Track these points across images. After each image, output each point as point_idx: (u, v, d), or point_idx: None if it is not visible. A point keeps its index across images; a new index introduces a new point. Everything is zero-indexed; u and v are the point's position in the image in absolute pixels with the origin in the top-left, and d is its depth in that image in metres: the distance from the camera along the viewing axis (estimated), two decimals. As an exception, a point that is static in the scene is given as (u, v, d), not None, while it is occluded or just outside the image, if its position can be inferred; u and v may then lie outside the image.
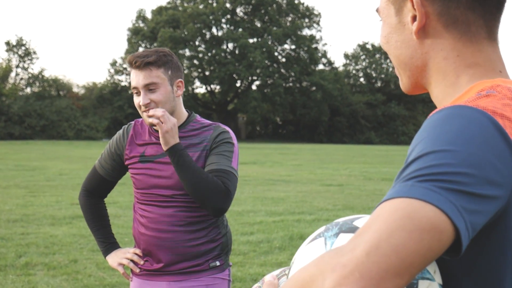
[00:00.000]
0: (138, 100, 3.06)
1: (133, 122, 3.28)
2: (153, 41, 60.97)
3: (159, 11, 62.65)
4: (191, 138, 3.11)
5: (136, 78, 3.04)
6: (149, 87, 3.02)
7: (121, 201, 12.64)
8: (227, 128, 3.16)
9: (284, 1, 65.41)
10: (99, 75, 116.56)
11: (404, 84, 1.48)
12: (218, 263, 3.16)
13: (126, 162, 3.21)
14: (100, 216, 3.39)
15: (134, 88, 3.05)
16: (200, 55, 62.16)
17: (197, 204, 3.06)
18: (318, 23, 66.94)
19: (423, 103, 68.47)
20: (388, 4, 1.42)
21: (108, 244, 3.30)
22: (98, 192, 3.39)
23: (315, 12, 66.65)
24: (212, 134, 3.11)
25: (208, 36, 62.39)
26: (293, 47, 64.93)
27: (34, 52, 61.00)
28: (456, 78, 1.36)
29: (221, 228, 3.19)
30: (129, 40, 62.33)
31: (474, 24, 1.34)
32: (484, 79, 1.32)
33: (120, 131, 3.28)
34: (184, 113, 3.17)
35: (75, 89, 62.63)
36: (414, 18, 1.36)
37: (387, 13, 1.42)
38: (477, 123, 1.13)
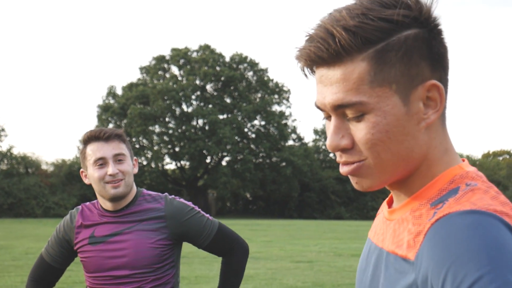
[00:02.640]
0: (103, 171, 3.06)
1: (80, 206, 3.27)
2: (123, 118, 61.08)
3: (129, 87, 62.94)
4: (142, 214, 3.11)
5: (102, 150, 3.07)
6: (118, 158, 3.07)
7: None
8: (175, 197, 3.22)
9: (254, 78, 66.12)
10: (68, 152, 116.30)
11: (375, 183, 1.35)
12: None
13: (76, 247, 3.17)
14: None
15: (100, 159, 3.07)
16: (170, 131, 62.26)
17: (158, 283, 3.04)
18: (287, 99, 67.60)
19: (392, 178, 68.85)
20: (387, 94, 1.27)
21: None
22: (46, 280, 3.34)
23: (285, 89, 67.35)
24: (166, 208, 3.13)
25: (178, 112, 62.65)
26: (263, 123, 65.34)
27: (3, 129, 60.72)
28: (436, 168, 1.34)
29: None
30: (99, 117, 62.33)
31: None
32: (453, 165, 1.33)
33: (67, 216, 3.27)
34: (135, 189, 3.21)
35: (44, 166, 62.17)
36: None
37: (386, 104, 1.27)
38: (499, 231, 1.14)
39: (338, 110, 1.29)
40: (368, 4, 1.26)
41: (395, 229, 1.38)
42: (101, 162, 3.05)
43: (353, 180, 1.36)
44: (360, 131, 1.29)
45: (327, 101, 1.30)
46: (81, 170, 3.16)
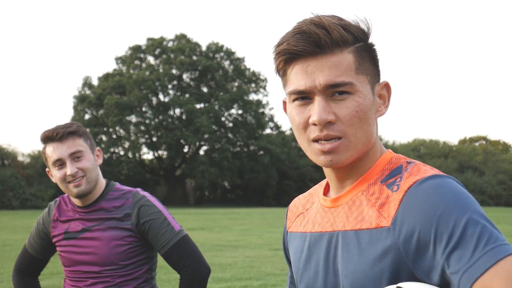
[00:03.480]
0: (63, 172, 3.02)
1: (58, 198, 3.24)
2: (99, 108, 60.77)
3: (105, 77, 62.60)
4: (110, 211, 3.07)
5: (58, 150, 3.01)
6: (75, 156, 3.01)
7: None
8: (146, 195, 3.13)
9: (231, 67, 66.06)
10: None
11: (347, 159, 1.61)
12: None
13: (53, 240, 3.17)
14: None
15: (58, 160, 3.02)
16: (147, 121, 62.06)
17: (127, 278, 3.02)
18: (264, 88, 67.61)
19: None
20: (365, 81, 1.60)
21: None
22: (30, 271, 3.35)
23: (261, 77, 67.36)
24: (132, 206, 3.07)
25: (154, 102, 62.45)
26: (240, 112, 65.34)
27: (-22, 121, 60.20)
28: (377, 153, 1.68)
29: None
30: (75, 108, 61.97)
31: None
32: (384, 151, 1.69)
33: (46, 209, 3.26)
34: (103, 183, 3.16)
35: (20, 158, 61.74)
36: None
37: (364, 89, 1.59)
38: (458, 185, 1.50)
39: (329, 89, 1.56)
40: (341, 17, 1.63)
41: (346, 210, 1.64)
42: (59, 163, 3.02)
43: (327, 157, 1.59)
44: (345, 108, 1.56)
45: (320, 82, 1.55)
46: (47, 169, 3.12)
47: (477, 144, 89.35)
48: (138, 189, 3.19)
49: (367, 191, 1.62)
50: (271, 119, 67.89)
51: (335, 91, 1.56)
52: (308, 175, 65.84)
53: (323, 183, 1.86)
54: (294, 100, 1.62)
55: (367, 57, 1.62)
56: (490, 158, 72.30)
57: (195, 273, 3.06)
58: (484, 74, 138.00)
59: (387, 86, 1.67)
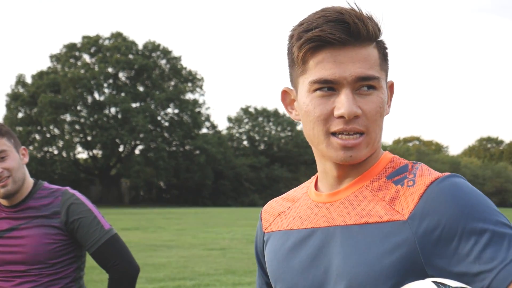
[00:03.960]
0: None
1: None
2: (33, 106, 59.78)
3: (39, 75, 61.59)
4: (39, 209, 3.05)
5: None
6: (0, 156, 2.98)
7: None
8: (76, 194, 3.12)
9: (167, 66, 65.74)
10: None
11: (364, 156, 1.58)
12: None
13: None
14: None
15: None
16: (82, 120, 61.31)
17: (55, 277, 3.01)
18: (201, 87, 67.52)
19: (305, 165, 69.64)
20: (384, 78, 1.58)
21: None
22: None
23: (198, 77, 67.25)
24: (62, 204, 3.05)
25: (90, 100, 61.73)
26: (176, 111, 65.06)
27: None
28: (379, 152, 1.65)
29: None
30: (7, 106, 60.83)
31: None
32: (383, 151, 1.66)
33: None
34: (30, 182, 3.12)
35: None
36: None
37: (385, 86, 1.57)
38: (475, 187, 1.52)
39: (358, 82, 1.51)
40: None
41: (347, 205, 1.59)
42: None
43: (347, 153, 1.54)
44: (371, 103, 1.53)
45: (351, 73, 1.51)
46: None
47: (410, 144, 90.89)
48: (67, 188, 3.15)
49: (371, 186, 1.58)
50: (208, 118, 67.82)
51: (363, 84, 1.52)
52: (244, 175, 65.95)
53: (304, 185, 1.81)
54: (316, 90, 1.54)
55: (385, 53, 1.59)
56: (423, 158, 73.48)
57: (124, 272, 3.06)
58: (417, 76, 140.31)
59: (392, 86, 1.66)
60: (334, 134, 1.54)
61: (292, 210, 1.74)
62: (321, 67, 1.52)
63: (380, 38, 1.57)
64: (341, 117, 1.51)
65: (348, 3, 1.55)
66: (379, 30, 1.55)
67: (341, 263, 1.53)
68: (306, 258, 1.61)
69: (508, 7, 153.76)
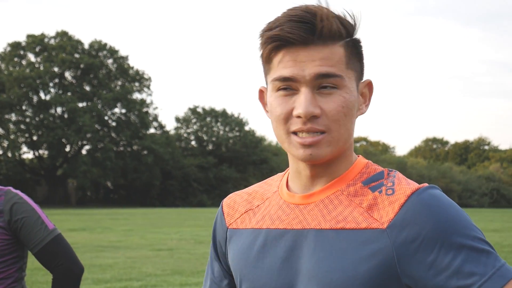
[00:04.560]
0: None
1: None
2: (-24, 106, 58.81)
3: (-17, 74, 60.61)
4: None
5: None
6: None
7: None
8: (19, 193, 3.09)
9: (114, 65, 65.26)
10: None
11: (328, 155, 1.55)
12: None
13: None
14: None
15: None
16: (27, 119, 60.51)
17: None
18: (148, 87, 67.17)
19: (253, 165, 69.83)
20: (353, 77, 1.55)
21: None
22: None
23: (145, 76, 66.89)
24: (4, 203, 3.01)
25: (35, 100, 60.93)
26: (123, 111, 64.64)
27: None
28: (352, 156, 1.64)
29: None
30: (-50, 105, 59.72)
31: None
32: (356, 155, 1.66)
33: None
34: None
35: None
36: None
37: (351, 85, 1.54)
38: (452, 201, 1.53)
39: (318, 80, 1.50)
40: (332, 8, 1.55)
41: (322, 208, 1.57)
42: None
43: (307, 151, 1.52)
44: (332, 103, 1.50)
45: (310, 72, 1.49)
46: None
47: (358, 144, 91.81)
48: (10, 188, 3.13)
49: (347, 191, 1.57)
50: (155, 118, 67.52)
51: (323, 83, 1.50)
52: (192, 175, 65.85)
53: (272, 182, 1.77)
54: (279, 89, 1.54)
55: (355, 52, 1.56)
56: (370, 158, 70.09)
57: (68, 272, 3.03)
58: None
59: (369, 84, 1.63)
60: (294, 133, 1.53)
61: (262, 208, 1.71)
62: (281, 65, 1.52)
63: (352, 37, 1.55)
64: (299, 116, 1.50)
65: (319, 1, 1.54)
66: (347, 29, 1.53)
67: (314, 267, 1.52)
68: (276, 259, 1.59)
69: (446, 9, 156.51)
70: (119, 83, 65.71)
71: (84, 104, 62.80)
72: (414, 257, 1.45)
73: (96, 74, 63.40)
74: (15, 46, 62.34)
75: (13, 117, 60.23)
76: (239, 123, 72.06)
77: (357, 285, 1.47)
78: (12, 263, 3.05)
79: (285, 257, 1.58)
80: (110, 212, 43.21)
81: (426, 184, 1.51)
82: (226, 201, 1.82)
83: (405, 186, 1.51)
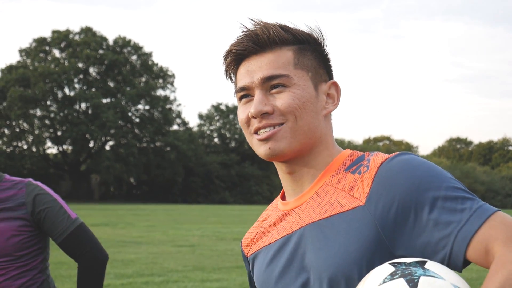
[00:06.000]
0: None
1: None
2: (2, 101, 59.18)
3: (9, 69, 60.98)
4: (2, 202, 3.04)
5: None
6: None
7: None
8: (39, 184, 3.12)
9: (138, 62, 65.43)
10: None
11: (287, 147, 1.65)
12: None
13: None
14: None
15: None
16: (52, 115, 60.84)
17: (23, 270, 3.01)
18: (172, 84, 67.30)
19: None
20: (305, 76, 1.67)
21: None
22: None
23: (169, 73, 67.00)
24: (26, 195, 3.05)
25: (60, 95, 61.28)
26: (147, 107, 64.84)
27: None
28: (333, 150, 1.73)
29: None
30: (-24, 100, 60.21)
31: None
32: (342, 149, 1.74)
33: None
34: None
35: None
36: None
37: (303, 83, 1.66)
38: (425, 159, 1.58)
39: (266, 83, 1.65)
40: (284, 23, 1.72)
41: (312, 204, 1.66)
42: None
43: (266, 146, 1.65)
44: (282, 99, 1.63)
45: (257, 77, 1.65)
46: None
47: (381, 143, 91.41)
48: (30, 179, 3.15)
49: (332, 181, 1.65)
50: (178, 115, 67.64)
51: (272, 84, 1.64)
52: (215, 172, 65.88)
53: (274, 202, 1.88)
54: (240, 98, 1.71)
55: (311, 56, 1.69)
56: None
57: (93, 259, 3.07)
58: (389, 76, 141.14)
59: (335, 85, 1.74)
60: (256, 133, 1.67)
61: (267, 226, 1.81)
62: (239, 78, 1.70)
63: (304, 43, 1.70)
64: (254, 117, 1.65)
65: (253, 19, 1.71)
66: (294, 36, 1.68)
67: (313, 259, 1.60)
68: (284, 264, 1.68)
69: (472, 9, 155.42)
70: (143, 79, 65.89)
71: (108, 100, 63.04)
72: (396, 224, 1.50)
73: (120, 70, 63.62)
74: (41, 41, 62.73)
75: (38, 112, 60.60)
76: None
77: (352, 265, 1.52)
78: (36, 254, 3.09)
79: (291, 259, 1.67)
80: (133, 208, 43.39)
81: (397, 152, 1.60)
82: (241, 241, 1.94)
83: (377, 159, 1.60)
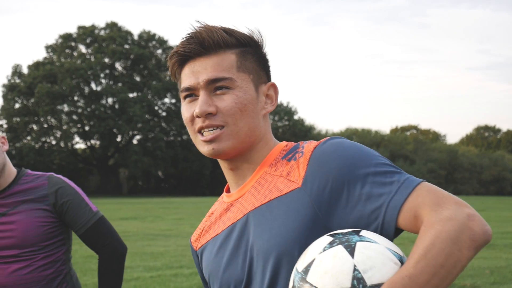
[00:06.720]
0: None
1: None
2: (30, 97, 59.68)
3: (36, 66, 61.44)
4: (26, 194, 3.09)
5: None
6: None
7: None
8: (61, 177, 3.17)
9: (163, 56, 65.54)
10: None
11: (229, 147, 1.76)
12: None
13: None
14: None
15: None
16: (79, 110, 61.23)
17: (48, 260, 3.05)
18: (197, 77, 67.31)
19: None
20: (247, 79, 1.77)
21: None
22: None
23: (195, 66, 66.99)
24: (49, 187, 3.09)
25: (87, 91, 61.64)
26: (173, 101, 65.00)
27: None
28: (271, 143, 1.85)
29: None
30: (4, 97, 60.73)
31: None
32: (279, 142, 1.85)
33: None
34: (13, 169, 3.16)
35: None
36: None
37: (246, 85, 1.76)
38: (356, 142, 1.68)
39: (210, 84, 1.74)
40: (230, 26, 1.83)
41: (253, 192, 1.78)
42: None
43: (210, 146, 1.76)
44: (225, 101, 1.73)
45: (202, 78, 1.74)
46: None
47: (408, 133, 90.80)
48: (52, 173, 3.21)
49: (270, 170, 1.78)
50: (204, 108, 67.60)
51: (216, 86, 1.74)
52: (242, 164, 65.83)
53: (219, 197, 1.97)
54: (185, 98, 1.81)
55: (252, 59, 1.80)
56: (420, 147, 73.38)
57: (114, 251, 3.15)
58: (414, 65, 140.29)
59: (273, 86, 1.85)
60: (200, 132, 1.77)
61: (213, 219, 1.92)
62: (184, 78, 1.79)
63: (246, 47, 1.80)
64: (198, 116, 1.75)
65: (200, 22, 1.79)
66: (237, 39, 1.78)
67: (257, 241, 1.71)
68: (230, 251, 1.79)
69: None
70: (169, 73, 65.78)
71: (135, 94, 63.28)
72: (331, 202, 1.62)
73: (146, 65, 63.82)
74: (67, 37, 63.13)
75: (66, 107, 60.99)
76: (288, 112, 71.86)
77: (291, 244, 1.63)
78: (59, 245, 3.14)
79: (236, 246, 1.77)
80: (161, 201, 43.52)
81: (328, 137, 1.73)
82: (191, 237, 2.03)
83: (311, 145, 1.72)
